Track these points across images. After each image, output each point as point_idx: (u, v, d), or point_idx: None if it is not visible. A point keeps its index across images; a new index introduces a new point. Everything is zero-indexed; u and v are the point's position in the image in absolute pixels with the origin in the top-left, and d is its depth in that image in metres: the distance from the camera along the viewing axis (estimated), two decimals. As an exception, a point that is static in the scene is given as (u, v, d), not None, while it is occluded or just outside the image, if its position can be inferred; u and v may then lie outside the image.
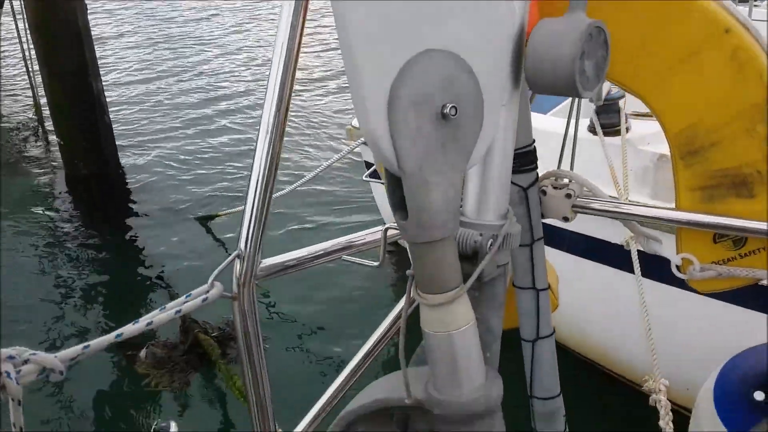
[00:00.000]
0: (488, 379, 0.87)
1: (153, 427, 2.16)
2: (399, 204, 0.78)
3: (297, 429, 1.28)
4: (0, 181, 8.97)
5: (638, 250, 2.93)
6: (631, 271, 2.99)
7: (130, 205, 8.64)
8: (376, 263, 0.97)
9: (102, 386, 5.21)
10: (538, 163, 1.28)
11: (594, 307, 4.28)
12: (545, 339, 1.44)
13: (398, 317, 1.32)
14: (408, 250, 0.84)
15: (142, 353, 5.45)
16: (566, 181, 1.35)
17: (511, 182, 1.07)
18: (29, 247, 7.61)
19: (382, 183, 1.60)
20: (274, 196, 1.02)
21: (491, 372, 0.89)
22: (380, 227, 1.23)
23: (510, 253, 0.98)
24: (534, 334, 1.44)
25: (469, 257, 0.91)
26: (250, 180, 1.03)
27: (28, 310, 6.34)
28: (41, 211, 8.45)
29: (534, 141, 1.24)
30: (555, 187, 1.32)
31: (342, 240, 1.20)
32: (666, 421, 2.12)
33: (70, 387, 5.24)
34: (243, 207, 1.02)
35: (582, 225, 4.22)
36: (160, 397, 5.02)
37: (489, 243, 0.91)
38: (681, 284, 1.37)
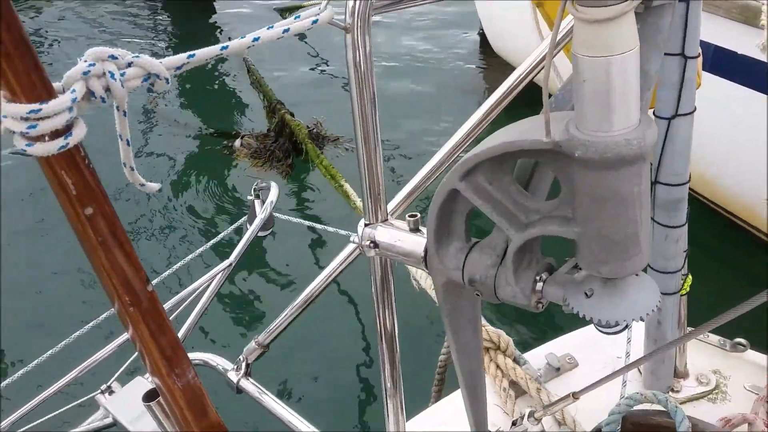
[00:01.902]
0: (642, 122, 0.74)
1: (253, 187, 2.20)
2: None
3: (407, 187, 1.21)
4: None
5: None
6: (760, 89, 2.65)
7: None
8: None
9: (204, 174, 5.45)
10: None
11: (716, 133, 3.91)
12: (685, 116, 1.28)
13: (534, 64, 1.18)
14: None
15: (237, 142, 5.59)
16: None
17: None
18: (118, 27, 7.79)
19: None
20: None
21: (645, 116, 0.75)
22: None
23: None
24: (673, 110, 1.27)
25: None
26: None
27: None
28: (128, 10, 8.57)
29: None
30: None
31: None
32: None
33: (172, 176, 5.53)
34: None
35: (707, 32, 3.77)
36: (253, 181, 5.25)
37: None
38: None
